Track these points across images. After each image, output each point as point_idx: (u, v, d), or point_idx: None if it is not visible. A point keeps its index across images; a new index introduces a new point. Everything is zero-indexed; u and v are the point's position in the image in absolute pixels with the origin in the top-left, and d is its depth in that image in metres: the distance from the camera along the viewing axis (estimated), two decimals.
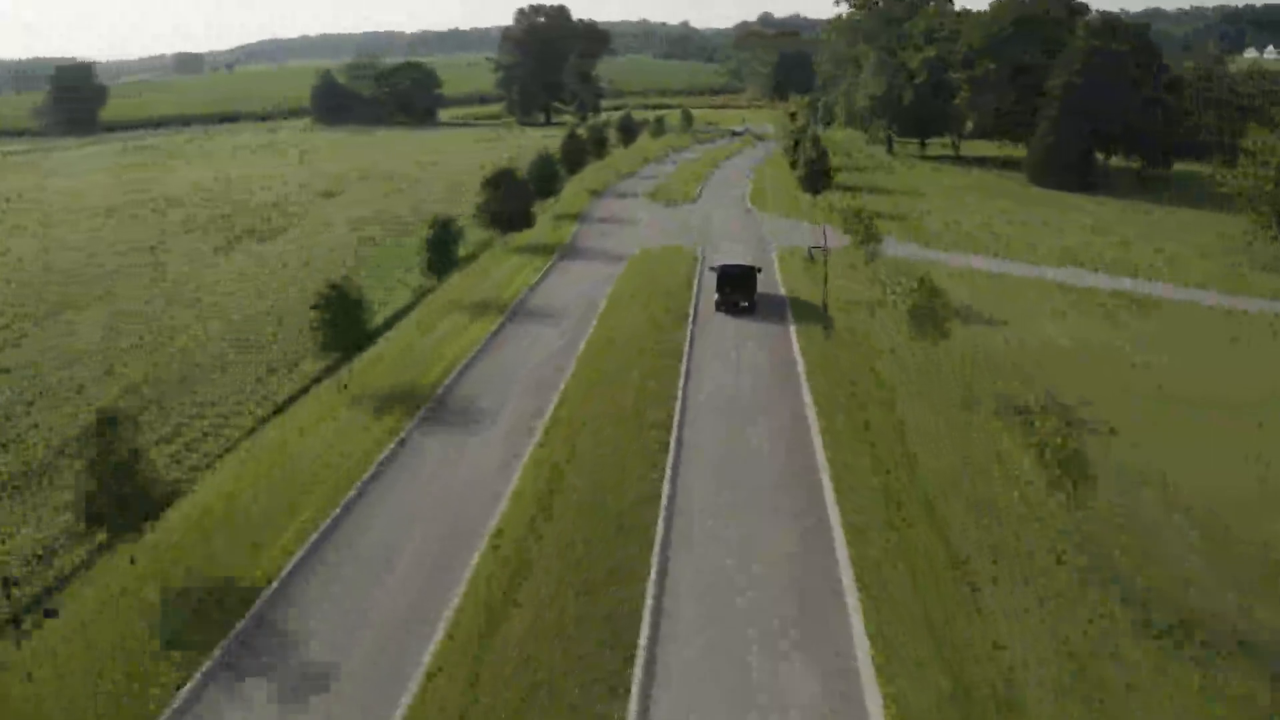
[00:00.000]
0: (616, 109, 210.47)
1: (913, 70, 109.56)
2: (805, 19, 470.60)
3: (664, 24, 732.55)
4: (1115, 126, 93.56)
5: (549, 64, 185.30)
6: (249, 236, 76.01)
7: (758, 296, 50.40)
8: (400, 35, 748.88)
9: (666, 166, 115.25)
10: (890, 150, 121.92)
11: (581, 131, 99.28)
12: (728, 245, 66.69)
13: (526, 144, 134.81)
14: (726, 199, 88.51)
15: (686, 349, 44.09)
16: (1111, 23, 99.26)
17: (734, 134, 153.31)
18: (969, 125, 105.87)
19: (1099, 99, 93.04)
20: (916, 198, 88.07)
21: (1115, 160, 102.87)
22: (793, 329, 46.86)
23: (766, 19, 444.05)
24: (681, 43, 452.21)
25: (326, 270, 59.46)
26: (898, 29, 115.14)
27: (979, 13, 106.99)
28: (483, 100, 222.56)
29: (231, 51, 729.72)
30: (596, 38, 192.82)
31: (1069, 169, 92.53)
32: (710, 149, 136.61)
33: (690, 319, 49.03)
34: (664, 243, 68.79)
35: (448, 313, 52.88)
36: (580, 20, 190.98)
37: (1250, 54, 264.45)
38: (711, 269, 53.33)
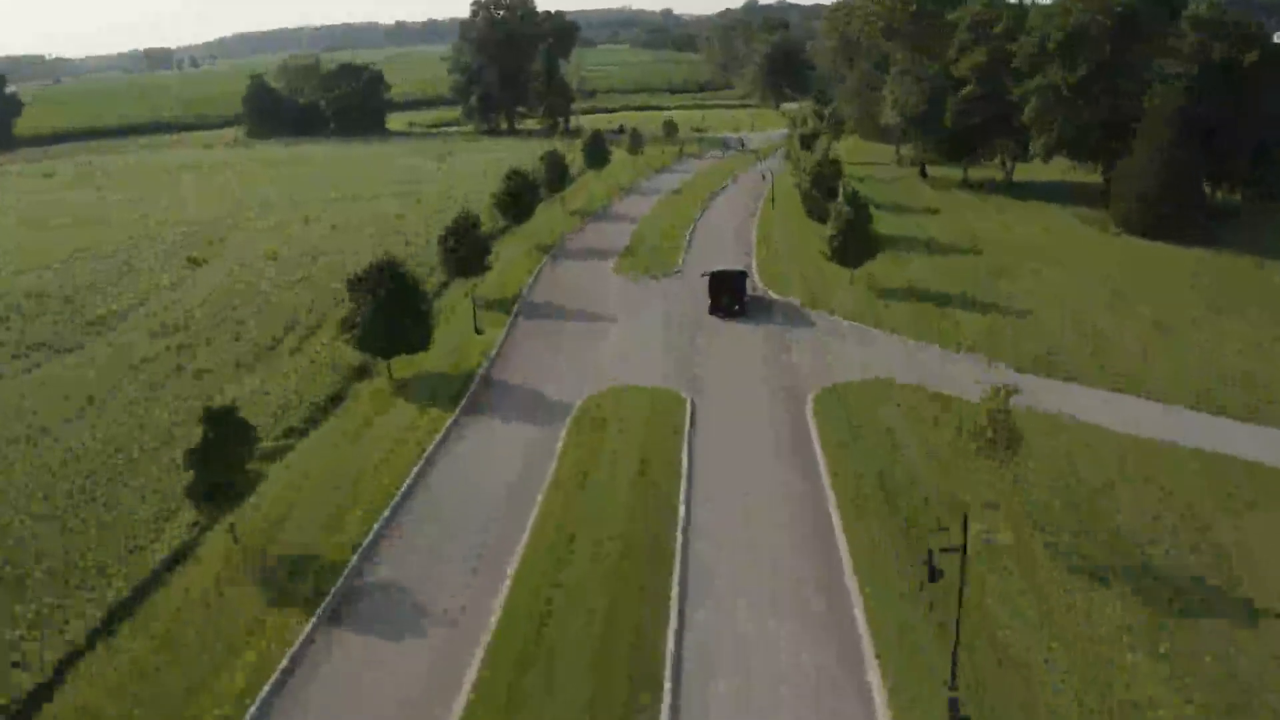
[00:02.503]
0: (588, 112, 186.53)
1: (958, 79, 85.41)
2: (794, 3, 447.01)
3: (644, 11, 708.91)
4: (1240, 153, 70.13)
5: (511, 64, 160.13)
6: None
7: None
8: (378, 27, 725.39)
9: (642, 204, 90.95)
10: (924, 174, 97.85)
11: (527, 170, 75.20)
12: (737, 391, 42.93)
13: (473, 168, 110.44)
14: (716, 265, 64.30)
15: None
16: (1224, 19, 75.33)
17: (725, 146, 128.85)
18: (1036, 147, 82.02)
19: (1218, 117, 69.71)
20: (986, 261, 64.21)
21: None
22: None
23: (752, 4, 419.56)
24: (662, 32, 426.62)
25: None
26: (933, 22, 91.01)
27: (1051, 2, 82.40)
28: (447, 102, 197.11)
29: (206, 46, 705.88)
30: (565, 33, 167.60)
31: (1176, 211, 68.80)
32: (699, 170, 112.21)
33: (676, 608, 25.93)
34: (634, 370, 44.95)
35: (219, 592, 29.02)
36: (547, 12, 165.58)
37: None
38: (702, 275, 55.54)
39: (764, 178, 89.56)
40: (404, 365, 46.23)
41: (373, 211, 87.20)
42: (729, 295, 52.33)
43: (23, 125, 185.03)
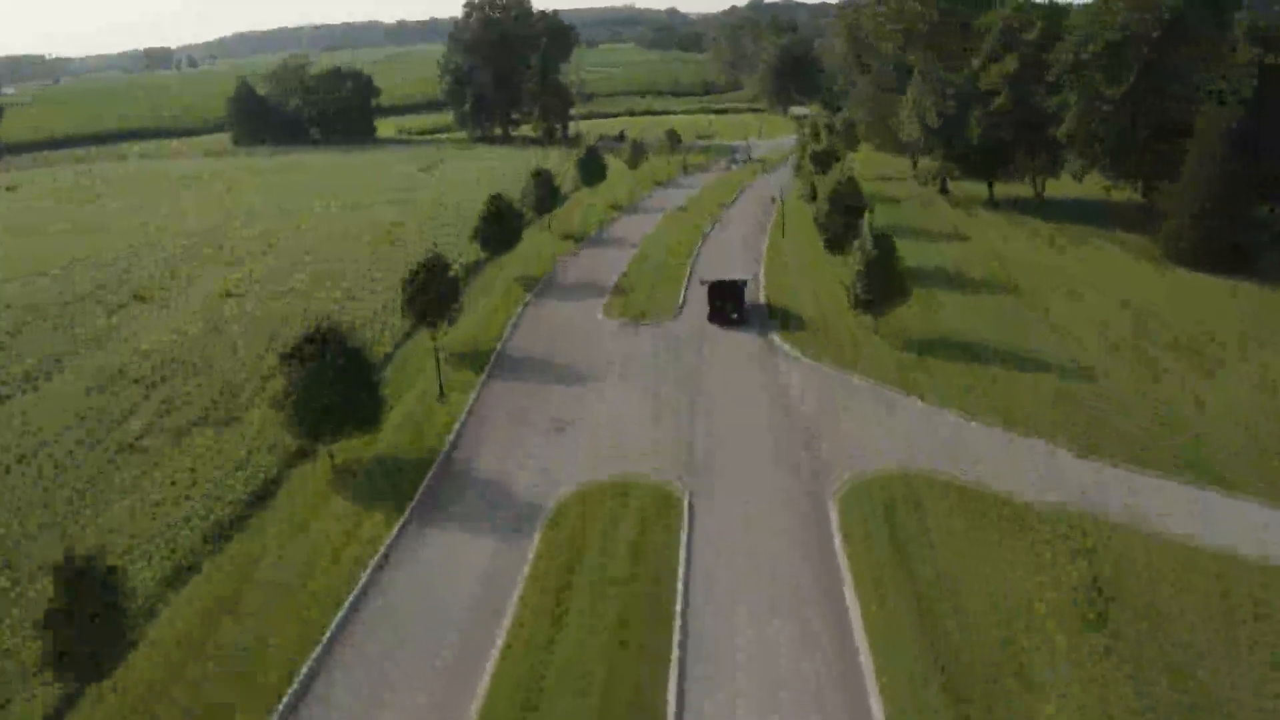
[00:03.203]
0: (587, 117, 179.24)
1: (987, 90, 77.65)
2: (802, 1, 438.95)
3: (650, 10, 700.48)
4: None
5: (506, 68, 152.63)
6: None
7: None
8: (379, 26, 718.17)
9: (640, 226, 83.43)
10: (944, 191, 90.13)
11: (512, 196, 67.52)
12: (746, 491, 35.16)
13: (464, 177, 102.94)
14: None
15: None
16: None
17: (733, 159, 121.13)
18: (1072, 165, 74.29)
19: (1273, 135, 62.12)
20: (1027, 301, 56.57)
21: None
22: None
23: (758, 2, 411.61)
24: (667, 30, 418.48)
25: None
26: (956, 27, 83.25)
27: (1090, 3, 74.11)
28: (441, 105, 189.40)
29: (207, 46, 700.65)
30: (561, 34, 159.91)
31: (1232, 240, 61.19)
32: (705, 185, 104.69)
33: None
34: (622, 454, 37.46)
35: None
36: (542, 13, 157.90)
37: None
38: (702, 282, 55.77)
39: (773, 200, 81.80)
40: (351, 445, 38.84)
41: (357, 236, 79.72)
42: (728, 303, 53.31)
43: (4, 131, 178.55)
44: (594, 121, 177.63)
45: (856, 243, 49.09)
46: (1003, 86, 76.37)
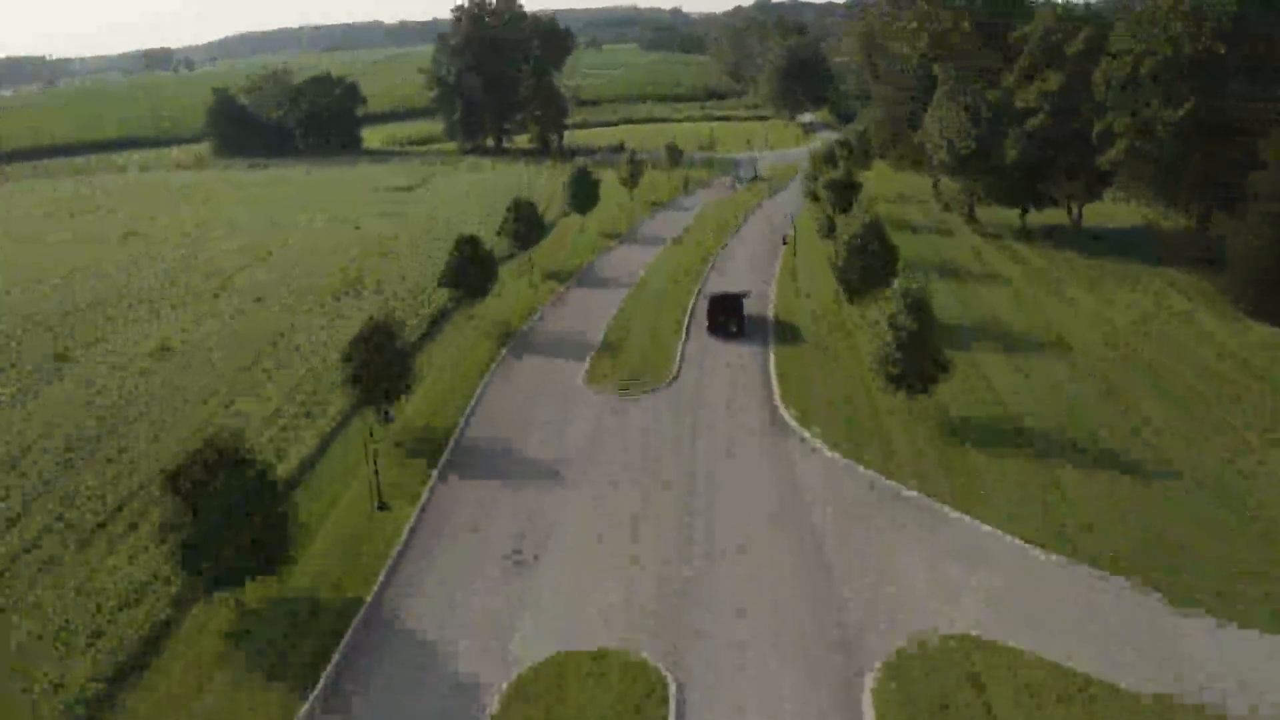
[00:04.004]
0: (584, 126, 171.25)
1: (1023, 109, 69.22)
2: (808, 1, 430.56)
3: (655, 9, 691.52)
4: None
5: (498, 75, 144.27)
6: None
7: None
8: (381, 26, 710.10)
9: (633, 259, 75.23)
10: (972, 217, 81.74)
11: (498, 221, 59.19)
12: (751, 670, 26.53)
13: (453, 192, 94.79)
14: (725, 386, 48.10)
15: None
16: None
17: (737, 177, 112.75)
18: (1122, 192, 66.03)
19: None
20: (1083, 365, 48.24)
21: None
22: None
23: (764, 2, 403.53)
24: (669, 31, 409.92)
25: None
26: (989, 39, 74.84)
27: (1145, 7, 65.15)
28: (432, 112, 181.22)
29: (208, 46, 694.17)
30: (557, 39, 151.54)
31: None
32: (706, 209, 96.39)
33: None
34: (592, 608, 29.28)
35: None
36: (535, 17, 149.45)
37: None
38: (704, 296, 58.58)
39: (784, 241, 73.44)
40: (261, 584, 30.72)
41: (316, 282, 71.63)
42: (728, 317, 54.19)
43: None
44: (591, 131, 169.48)
45: (885, 312, 40.73)
46: (1042, 105, 67.91)
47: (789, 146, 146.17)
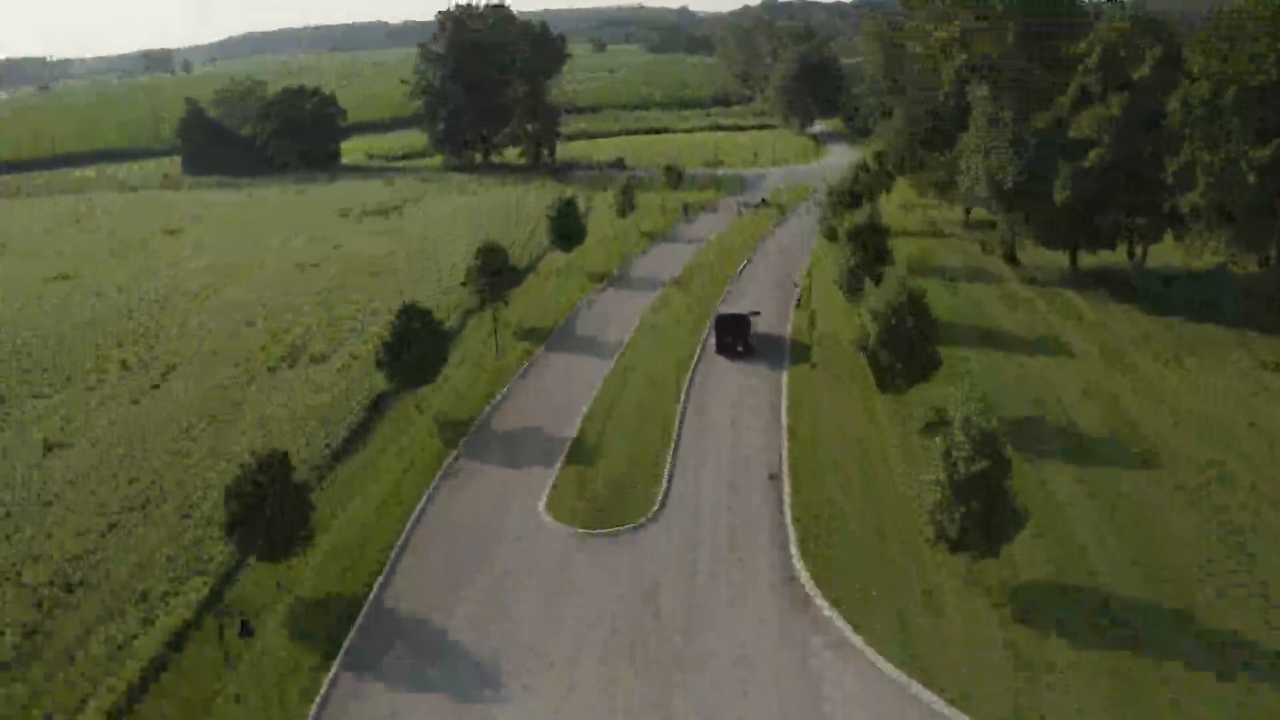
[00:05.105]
0: (580, 137, 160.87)
1: (1083, 138, 58.35)
2: (817, 1, 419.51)
3: (663, 8, 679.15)
4: None
5: (483, 82, 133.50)
6: None
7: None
8: (384, 26, 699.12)
9: (622, 311, 64.67)
10: (1013, 260, 70.89)
11: (429, 300, 49.07)
12: None
13: (439, 214, 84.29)
14: (724, 526, 37.70)
15: None
16: None
17: (743, 203, 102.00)
18: (1197, 241, 55.36)
19: None
20: (1173, 480, 37.55)
21: None
22: None
23: (771, 2, 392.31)
24: (675, 31, 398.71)
25: None
26: (1039, 56, 63.96)
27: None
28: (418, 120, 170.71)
29: (210, 47, 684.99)
30: (548, 45, 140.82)
31: None
32: (709, 242, 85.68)
33: None
34: None
35: None
36: (527, 23, 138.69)
37: None
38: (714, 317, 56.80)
39: (795, 285, 62.70)
40: None
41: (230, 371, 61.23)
42: (737, 339, 53.84)
43: None
44: (588, 144, 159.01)
45: (941, 447, 30.08)
46: (1104, 134, 57.11)
47: (799, 161, 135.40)
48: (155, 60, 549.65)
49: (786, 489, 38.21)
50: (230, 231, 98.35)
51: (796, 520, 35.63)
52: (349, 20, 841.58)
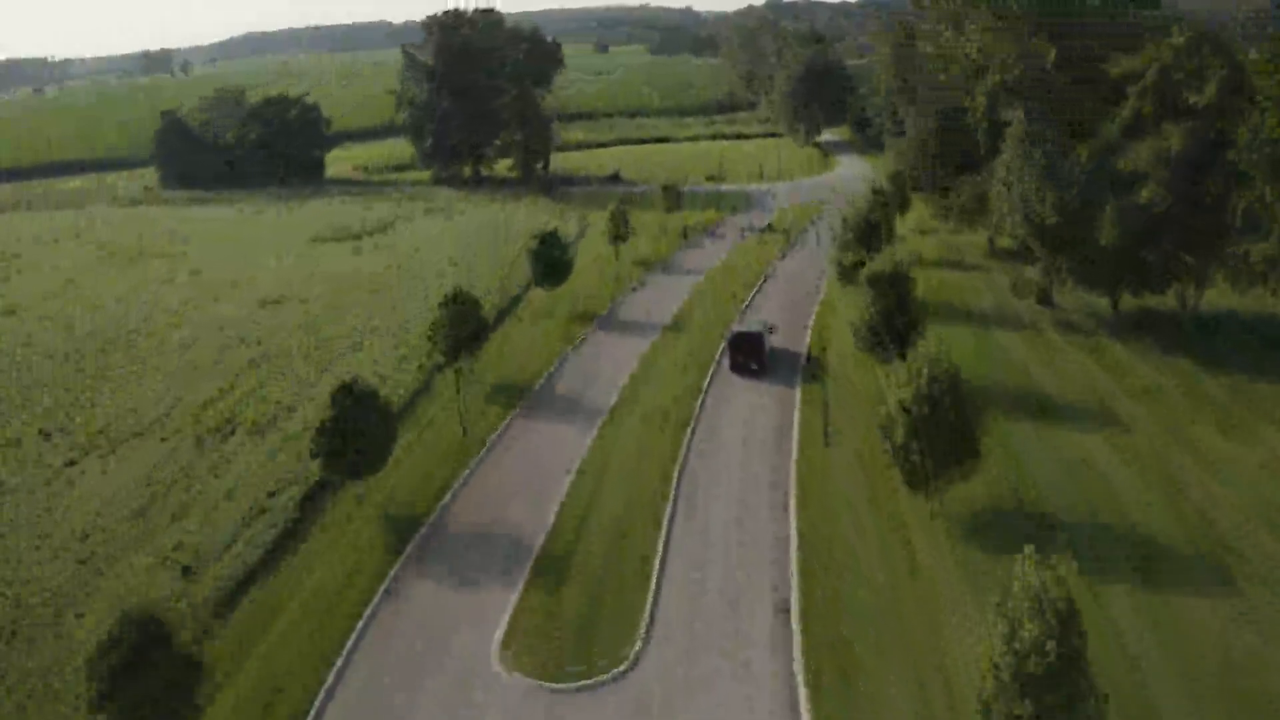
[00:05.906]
0: (576, 147, 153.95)
1: (1128, 172, 51.04)
2: (822, 1, 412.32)
3: (666, 8, 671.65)
4: None
5: (473, 90, 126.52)
6: None
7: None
8: (387, 26, 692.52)
9: (605, 368, 57.47)
10: (1048, 303, 63.48)
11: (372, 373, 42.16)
12: None
13: (422, 240, 77.25)
14: (717, 669, 30.73)
15: None
16: None
17: (750, 225, 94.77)
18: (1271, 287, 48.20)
19: None
20: (1251, 605, 30.50)
21: None
22: None
23: (775, 2, 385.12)
24: (678, 31, 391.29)
25: None
26: (1082, 75, 56.63)
27: None
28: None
29: (211, 48, 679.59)
30: (545, 53, 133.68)
31: None
32: (708, 274, 78.42)
33: None
34: None
35: None
36: (518, 29, 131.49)
37: None
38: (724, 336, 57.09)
39: (806, 365, 54.92)
40: None
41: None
42: (750, 357, 53.08)
43: None
44: (584, 153, 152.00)
45: (998, 609, 23.02)
46: (1158, 170, 49.81)
47: (805, 174, 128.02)
48: (155, 61, 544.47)
49: (796, 627, 31.05)
50: (202, 258, 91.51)
51: (811, 672, 28.40)
52: (350, 20, 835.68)
